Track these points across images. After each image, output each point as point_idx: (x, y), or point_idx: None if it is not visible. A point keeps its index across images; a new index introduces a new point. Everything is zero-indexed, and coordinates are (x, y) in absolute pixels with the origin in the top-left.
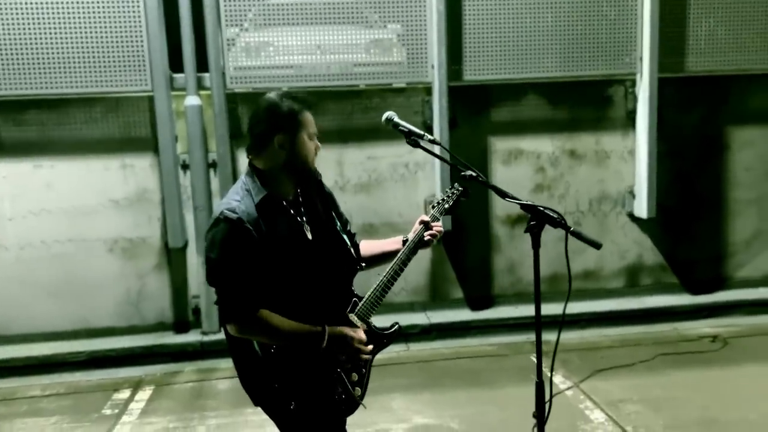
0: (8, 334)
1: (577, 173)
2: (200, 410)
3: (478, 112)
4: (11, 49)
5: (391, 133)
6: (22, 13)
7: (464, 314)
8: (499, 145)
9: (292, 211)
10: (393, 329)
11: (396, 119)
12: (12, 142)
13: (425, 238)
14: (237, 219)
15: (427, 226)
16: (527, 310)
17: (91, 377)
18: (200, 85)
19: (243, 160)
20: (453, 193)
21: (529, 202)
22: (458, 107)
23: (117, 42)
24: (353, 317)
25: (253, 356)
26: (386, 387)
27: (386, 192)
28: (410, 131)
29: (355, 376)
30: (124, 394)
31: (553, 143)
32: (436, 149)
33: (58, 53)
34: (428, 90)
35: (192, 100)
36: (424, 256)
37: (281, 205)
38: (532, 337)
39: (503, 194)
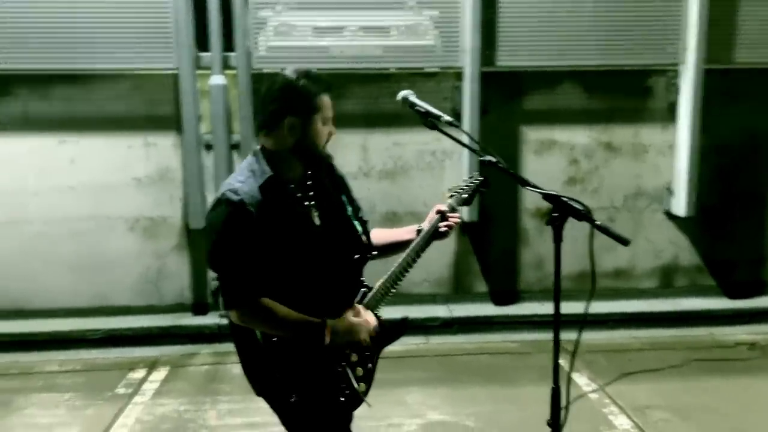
0: (30, 309)
1: (613, 167)
2: (213, 394)
3: (510, 99)
4: (39, 24)
5: (418, 119)
6: None
7: (487, 309)
8: (531, 134)
9: (299, 195)
10: (402, 324)
11: (413, 98)
12: (38, 117)
13: (441, 230)
14: (239, 201)
15: (443, 216)
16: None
17: (108, 355)
18: (227, 65)
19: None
20: (472, 183)
21: (551, 192)
22: (490, 94)
23: (144, 18)
24: (360, 308)
25: (254, 344)
26: (402, 380)
27: (411, 180)
28: (427, 112)
29: (360, 371)
30: (139, 373)
31: (588, 134)
32: (464, 138)
33: (85, 28)
34: (459, 75)
35: (217, 80)
36: (447, 247)
37: (287, 188)
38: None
39: (524, 182)
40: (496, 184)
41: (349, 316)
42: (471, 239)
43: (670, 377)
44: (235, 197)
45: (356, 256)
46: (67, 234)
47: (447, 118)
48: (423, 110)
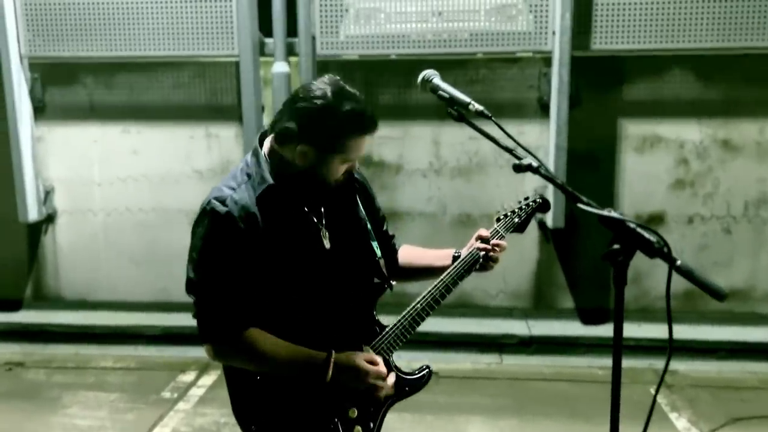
0: (92, 300)
1: (731, 168)
2: None
3: (607, 88)
4: (104, 12)
5: (498, 110)
6: None
7: (573, 328)
8: (632, 129)
9: (306, 209)
10: (420, 374)
11: (436, 80)
12: (103, 106)
13: (481, 261)
14: (225, 213)
15: (486, 243)
16: (653, 330)
17: (163, 353)
18: (293, 52)
19: None
20: (528, 205)
21: (614, 215)
22: (582, 82)
23: (207, 2)
24: (369, 352)
25: (245, 375)
26: (465, 406)
27: (488, 178)
28: (452, 98)
29: (358, 430)
30: (189, 376)
31: (700, 130)
32: (499, 132)
33: (148, 14)
34: (547, 61)
35: (279, 67)
36: (528, 254)
37: (293, 201)
38: (655, 363)
39: (575, 198)
40: (585, 186)
41: (359, 358)
42: (556, 248)
43: None
44: (221, 208)
45: (370, 287)
46: (128, 226)
47: (477, 106)
48: (447, 96)
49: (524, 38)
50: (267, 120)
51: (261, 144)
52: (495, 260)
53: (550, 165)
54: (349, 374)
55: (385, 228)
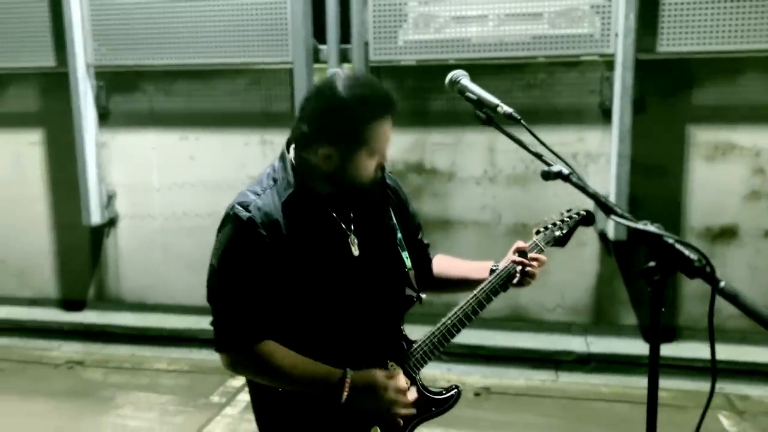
0: (150, 303)
1: None
2: None
3: (674, 92)
4: (164, 21)
5: (557, 116)
6: None
7: (635, 346)
8: (702, 136)
9: (334, 215)
10: (448, 395)
11: (465, 81)
12: (162, 113)
13: (517, 276)
14: (247, 219)
15: (523, 257)
16: (725, 351)
17: (215, 357)
18: (347, 58)
19: None
20: (570, 218)
21: (650, 228)
22: (647, 86)
23: (262, 8)
24: (394, 368)
25: (266, 388)
26: (517, 425)
27: (545, 187)
28: (480, 99)
29: None
30: (238, 381)
31: None
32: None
33: (206, 23)
34: (609, 64)
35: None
36: (588, 267)
37: (319, 206)
38: (726, 387)
39: (609, 210)
40: (650, 197)
41: (377, 374)
42: (618, 262)
43: None
44: (244, 214)
45: (398, 299)
46: (185, 231)
47: (506, 108)
48: (475, 97)
49: (585, 41)
50: None
51: (288, 148)
52: (532, 276)
53: (612, 174)
54: (367, 393)
55: (419, 236)
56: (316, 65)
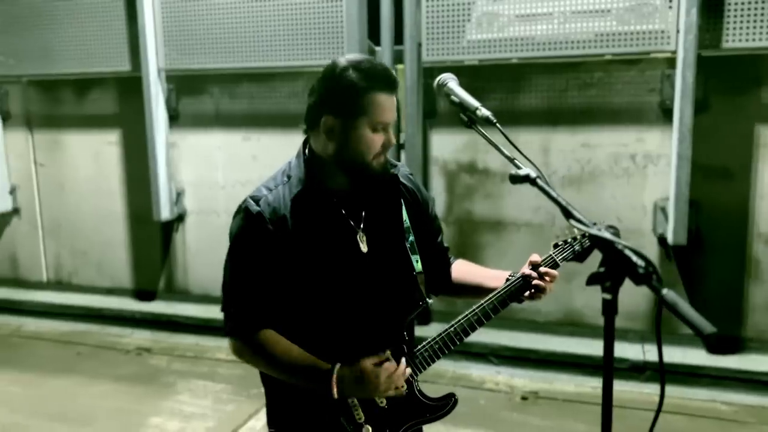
0: (213, 295)
1: None
2: None
3: (742, 91)
4: (228, 26)
5: (613, 116)
6: None
7: (696, 356)
8: None
9: (344, 212)
10: (443, 403)
11: (452, 84)
12: (227, 114)
13: (530, 288)
14: (256, 213)
15: (536, 270)
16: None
17: None
18: (401, 59)
19: (436, 142)
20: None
21: (603, 234)
22: (712, 84)
23: (318, 15)
24: (388, 355)
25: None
26: (561, 431)
27: (602, 189)
28: (462, 103)
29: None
30: None
31: None
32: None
33: (267, 29)
34: (671, 61)
35: None
36: None
37: (329, 202)
38: None
39: (568, 213)
40: (714, 200)
41: (366, 364)
42: (679, 268)
43: None
44: (254, 207)
45: (403, 300)
46: None
47: (484, 111)
48: (458, 100)
49: (646, 38)
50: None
51: (305, 147)
52: (542, 290)
53: (672, 175)
54: (358, 384)
55: (439, 239)
56: None
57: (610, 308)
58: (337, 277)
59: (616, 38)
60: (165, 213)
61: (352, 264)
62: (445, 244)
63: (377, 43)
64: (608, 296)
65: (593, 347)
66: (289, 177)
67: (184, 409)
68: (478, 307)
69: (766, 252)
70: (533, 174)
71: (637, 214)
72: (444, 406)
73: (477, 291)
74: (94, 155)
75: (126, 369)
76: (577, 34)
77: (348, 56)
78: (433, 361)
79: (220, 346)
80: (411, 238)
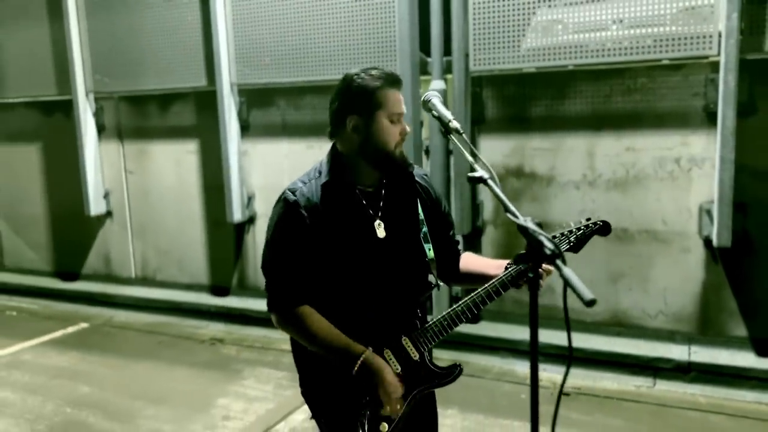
0: None
1: None
2: None
3: None
4: (292, 43)
5: (657, 120)
6: (300, 13)
7: (744, 358)
8: None
9: (364, 202)
10: (449, 371)
11: (435, 100)
12: (292, 124)
13: (527, 275)
14: (293, 202)
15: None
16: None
17: None
18: (449, 69)
19: (484, 147)
20: (587, 227)
21: (524, 222)
22: (757, 88)
23: (373, 31)
24: (407, 342)
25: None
26: (597, 426)
27: (647, 192)
28: (439, 117)
29: (384, 427)
30: None
31: None
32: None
33: (325, 43)
34: (714, 65)
35: (436, 85)
36: (693, 274)
37: (352, 194)
38: None
39: (506, 209)
40: (761, 203)
41: (387, 370)
42: (726, 269)
43: None
44: (291, 197)
45: (415, 282)
46: None
47: (455, 124)
48: (437, 114)
49: (688, 43)
50: (425, 133)
51: (332, 149)
52: (540, 276)
53: (715, 178)
54: (371, 376)
55: (451, 233)
56: (423, 77)
57: (533, 284)
58: (357, 258)
59: (664, 44)
60: (237, 215)
61: (369, 247)
62: (456, 238)
63: (428, 54)
64: (531, 275)
65: (639, 347)
66: (319, 173)
67: (249, 392)
68: (482, 289)
69: None
70: (486, 176)
71: (682, 216)
72: (450, 374)
73: (480, 278)
74: (175, 163)
75: (201, 357)
76: (626, 40)
77: (357, 68)
78: (442, 336)
79: (286, 338)
80: (424, 228)
